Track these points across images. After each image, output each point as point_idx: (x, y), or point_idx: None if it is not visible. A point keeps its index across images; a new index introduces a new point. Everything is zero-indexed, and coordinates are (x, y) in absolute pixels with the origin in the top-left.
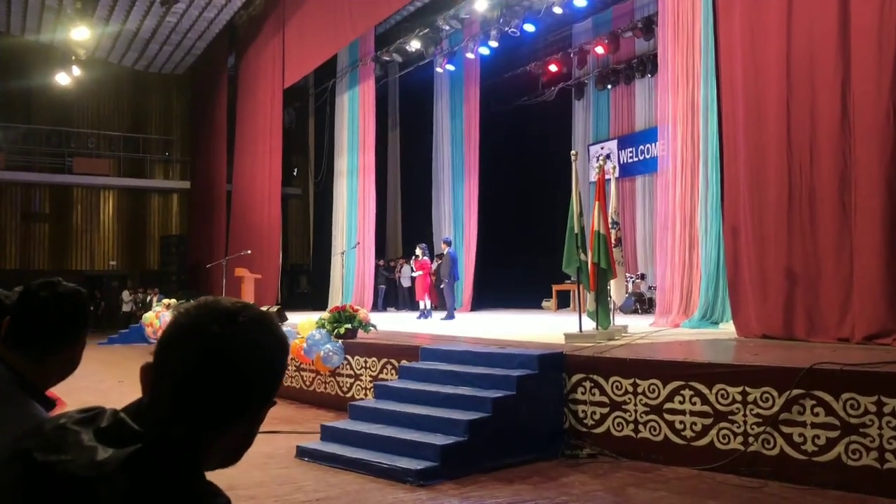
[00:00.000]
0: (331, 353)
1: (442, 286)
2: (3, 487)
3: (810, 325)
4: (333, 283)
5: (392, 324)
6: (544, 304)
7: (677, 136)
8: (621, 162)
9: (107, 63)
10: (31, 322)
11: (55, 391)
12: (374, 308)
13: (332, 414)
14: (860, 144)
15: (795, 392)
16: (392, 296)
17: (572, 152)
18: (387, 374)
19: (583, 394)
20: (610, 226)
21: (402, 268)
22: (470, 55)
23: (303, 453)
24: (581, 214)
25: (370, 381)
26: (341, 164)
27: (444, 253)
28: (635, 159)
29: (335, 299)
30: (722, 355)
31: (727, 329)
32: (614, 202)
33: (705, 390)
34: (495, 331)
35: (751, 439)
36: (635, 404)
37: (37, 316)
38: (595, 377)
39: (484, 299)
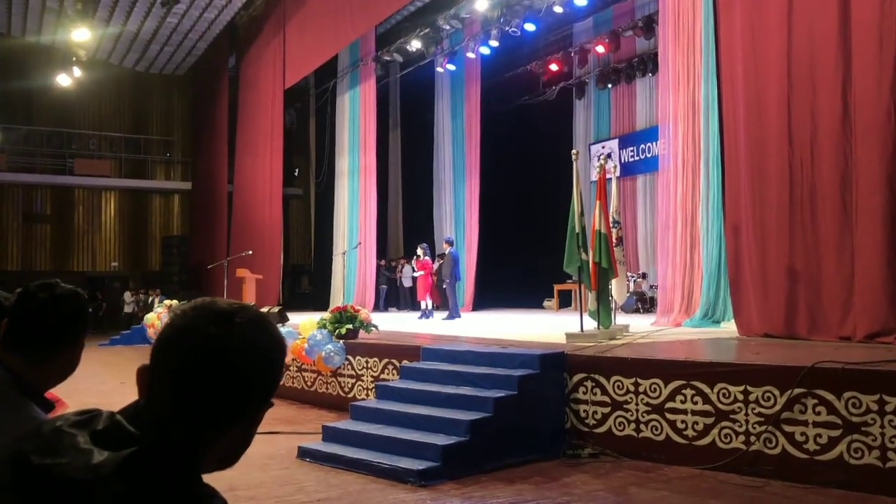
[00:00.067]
0: (332, 354)
1: (444, 286)
2: (0, 490)
3: (812, 324)
4: (335, 284)
5: (393, 324)
6: (546, 303)
7: (678, 135)
8: (622, 161)
9: (108, 64)
10: (29, 324)
11: (56, 393)
12: (376, 308)
13: (334, 414)
14: (861, 143)
15: (797, 391)
16: (393, 296)
17: (573, 151)
18: (388, 374)
19: (584, 393)
20: (611, 225)
21: (403, 268)
22: (471, 55)
23: (304, 454)
24: (582, 214)
25: (371, 382)
26: (342, 164)
27: (446, 253)
28: (636, 158)
29: (336, 300)
30: (723, 354)
31: (729, 328)
32: (615, 201)
33: (707, 389)
34: (497, 331)
35: (752, 438)
36: (637, 404)
37: (35, 318)
38: (596, 377)
39: (485, 299)
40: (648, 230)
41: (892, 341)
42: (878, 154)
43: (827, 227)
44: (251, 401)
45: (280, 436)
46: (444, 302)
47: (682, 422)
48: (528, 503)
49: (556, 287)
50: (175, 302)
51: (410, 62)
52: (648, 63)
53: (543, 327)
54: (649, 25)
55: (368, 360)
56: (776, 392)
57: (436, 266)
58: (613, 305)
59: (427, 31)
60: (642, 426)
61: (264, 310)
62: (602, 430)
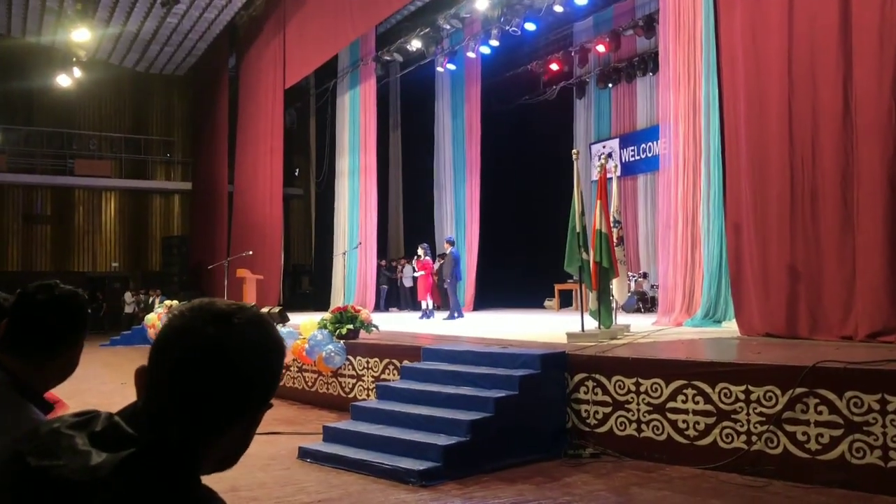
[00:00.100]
0: (333, 354)
1: (445, 286)
2: None
3: (813, 323)
4: (335, 284)
5: (394, 324)
6: (546, 303)
7: (679, 134)
8: (623, 160)
9: (108, 64)
10: (28, 325)
11: (57, 393)
12: (376, 308)
13: (335, 415)
14: (862, 141)
15: (799, 390)
16: (394, 296)
17: (574, 151)
18: (389, 374)
19: (585, 393)
20: (612, 224)
21: (403, 268)
22: (471, 54)
23: (305, 454)
24: (583, 213)
25: (372, 382)
26: (343, 164)
27: (447, 253)
28: (637, 158)
29: (337, 300)
30: (725, 354)
31: (730, 327)
32: (616, 201)
33: (708, 389)
34: (497, 330)
35: (754, 438)
36: (638, 403)
37: (34, 319)
38: (598, 376)
39: (486, 299)
40: (649, 229)
41: (894, 340)
42: (879, 153)
43: (828, 227)
44: (250, 401)
45: (281, 436)
46: (445, 302)
47: (684, 421)
48: (529, 503)
49: (557, 287)
50: (175, 302)
51: (410, 62)
52: (649, 62)
53: (544, 327)
54: (650, 24)
55: (369, 360)
56: (777, 392)
57: (436, 266)
58: (614, 305)
59: (427, 30)
60: (643, 426)
61: (265, 310)
62: (603, 429)
